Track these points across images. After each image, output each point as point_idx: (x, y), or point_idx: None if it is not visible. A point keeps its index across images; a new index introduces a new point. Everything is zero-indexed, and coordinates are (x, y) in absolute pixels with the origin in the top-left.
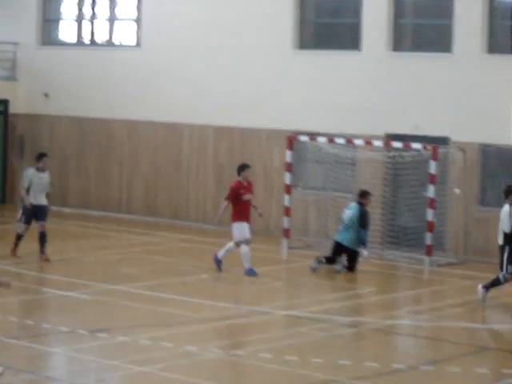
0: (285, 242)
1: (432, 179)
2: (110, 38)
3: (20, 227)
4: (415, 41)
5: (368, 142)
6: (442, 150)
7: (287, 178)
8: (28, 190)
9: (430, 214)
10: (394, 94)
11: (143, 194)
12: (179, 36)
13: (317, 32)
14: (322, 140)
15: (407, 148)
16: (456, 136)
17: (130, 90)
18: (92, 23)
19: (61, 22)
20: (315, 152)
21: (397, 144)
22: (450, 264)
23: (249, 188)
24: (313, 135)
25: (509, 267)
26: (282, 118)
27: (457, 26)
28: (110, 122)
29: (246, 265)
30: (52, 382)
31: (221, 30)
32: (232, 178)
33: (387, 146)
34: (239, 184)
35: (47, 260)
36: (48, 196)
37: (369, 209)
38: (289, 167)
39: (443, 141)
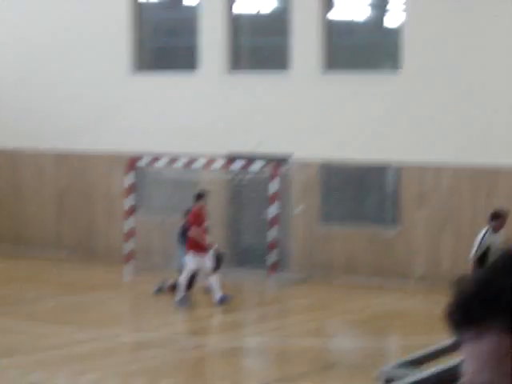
0: (128, 266)
1: (273, 198)
2: None
3: None
4: (253, 60)
5: (210, 161)
6: (283, 167)
7: (129, 201)
8: None
9: (272, 232)
10: (234, 114)
11: None
12: (15, 62)
13: (154, 54)
14: (163, 162)
15: (248, 167)
16: (297, 153)
17: None
18: None
19: None
20: (156, 174)
21: (238, 163)
22: (294, 281)
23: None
24: (154, 157)
25: None
26: (122, 141)
27: (293, 43)
28: None
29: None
30: None
31: (58, 54)
32: (73, 203)
33: (229, 165)
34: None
35: None
36: None
37: (214, 228)
38: (130, 190)
39: (284, 158)
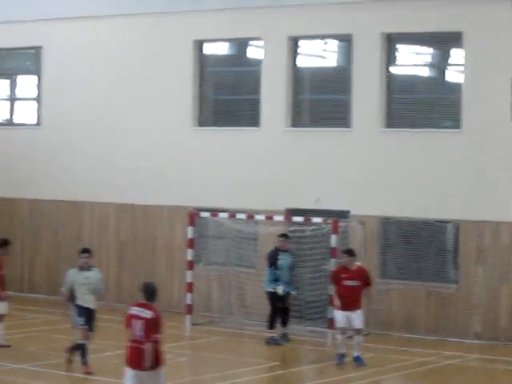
0: (188, 318)
1: (333, 252)
2: (11, 117)
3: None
4: (313, 116)
5: (269, 217)
6: (342, 223)
7: (189, 254)
8: None
9: (332, 287)
10: (293, 169)
11: (45, 273)
12: (79, 114)
13: (216, 109)
14: (223, 216)
15: (307, 222)
16: (356, 209)
17: (32, 169)
18: None
19: None
20: (217, 227)
21: (297, 218)
22: (351, 336)
23: None
24: (214, 211)
25: None
26: (183, 195)
27: (354, 100)
28: (12, 200)
29: None
30: None
31: (121, 107)
32: (134, 255)
33: (288, 220)
34: None
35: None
36: None
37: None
38: (191, 243)
39: (343, 214)
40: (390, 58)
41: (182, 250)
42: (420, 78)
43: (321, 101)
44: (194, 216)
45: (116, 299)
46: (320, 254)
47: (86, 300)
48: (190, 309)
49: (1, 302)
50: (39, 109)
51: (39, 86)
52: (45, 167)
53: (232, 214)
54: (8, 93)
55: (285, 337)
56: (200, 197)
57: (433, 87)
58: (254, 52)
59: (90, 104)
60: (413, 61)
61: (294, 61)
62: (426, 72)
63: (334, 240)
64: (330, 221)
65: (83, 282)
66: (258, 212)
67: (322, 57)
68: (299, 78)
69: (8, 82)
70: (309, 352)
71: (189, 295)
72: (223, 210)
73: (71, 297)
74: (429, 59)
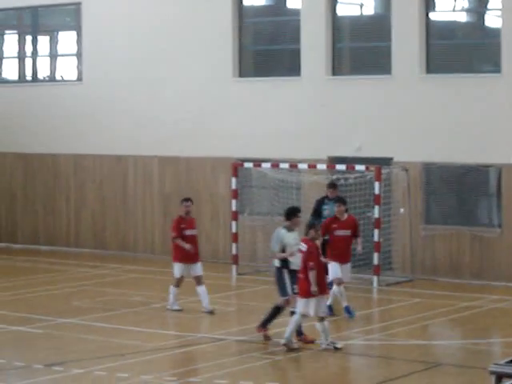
0: (234, 268)
1: (377, 200)
2: (52, 73)
3: None
4: (354, 64)
5: (312, 166)
6: (385, 170)
7: (233, 205)
8: None
9: (376, 234)
10: (335, 118)
11: (91, 227)
12: (120, 69)
13: (256, 59)
14: (266, 166)
15: (350, 170)
16: (398, 156)
17: (74, 125)
18: (34, 60)
19: (3, 60)
20: (260, 178)
21: (340, 166)
22: (398, 283)
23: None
24: (257, 161)
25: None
26: (225, 146)
27: (394, 47)
28: (55, 156)
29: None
30: None
31: (161, 61)
32: (178, 207)
33: (330, 168)
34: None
35: None
36: None
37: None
38: (235, 194)
39: (386, 161)
40: (429, 4)
41: (226, 201)
42: (459, 24)
43: (361, 48)
44: (237, 167)
45: (161, 251)
46: (364, 201)
47: (297, 263)
48: (235, 259)
49: (195, 263)
50: (80, 65)
51: (79, 42)
52: (87, 122)
53: (275, 164)
54: (49, 49)
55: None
56: (242, 148)
57: (472, 32)
58: (292, 1)
59: (130, 59)
60: (451, 6)
61: (333, 9)
62: (464, 17)
63: (377, 187)
64: (372, 168)
65: (295, 244)
66: (301, 161)
67: (361, 4)
68: (339, 27)
69: (48, 38)
70: (355, 299)
71: (234, 245)
72: (266, 160)
73: (284, 262)
74: (467, 4)
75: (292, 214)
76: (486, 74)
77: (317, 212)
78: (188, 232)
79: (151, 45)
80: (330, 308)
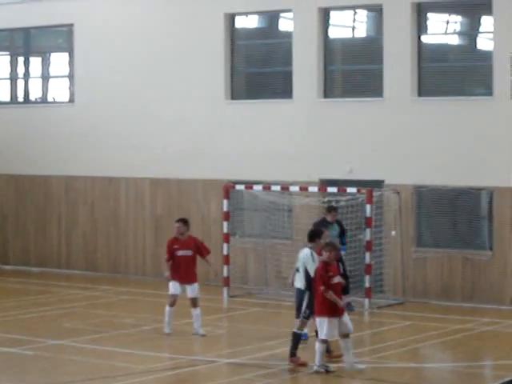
0: (225, 291)
1: (368, 222)
2: (44, 95)
3: None
4: (346, 87)
5: (303, 188)
6: (376, 193)
7: (225, 227)
8: None
9: (367, 257)
10: (327, 140)
11: (82, 248)
12: (112, 90)
13: (248, 81)
14: (257, 188)
15: (342, 192)
16: (390, 179)
17: (66, 146)
18: (26, 81)
19: None
20: (251, 200)
21: (331, 189)
22: (389, 305)
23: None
24: (249, 184)
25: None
26: (217, 168)
27: (386, 70)
28: (47, 178)
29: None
30: None
31: (153, 83)
32: (170, 230)
33: (322, 191)
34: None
35: None
36: None
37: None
38: (226, 216)
39: (377, 184)
40: (421, 27)
41: (218, 223)
42: (451, 47)
43: (352, 71)
44: (228, 189)
45: (153, 274)
46: (355, 223)
47: None
48: (226, 281)
49: (190, 284)
50: (72, 86)
51: (71, 64)
52: (79, 144)
53: (266, 186)
54: (41, 70)
55: (348, 306)
56: (234, 170)
57: (464, 55)
58: (284, 24)
59: (123, 80)
60: (443, 29)
61: (325, 32)
62: (456, 40)
63: (368, 210)
64: (364, 191)
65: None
66: (292, 183)
67: (353, 27)
68: (330, 49)
69: (40, 59)
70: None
71: (225, 267)
72: (258, 183)
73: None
74: (459, 27)
75: (316, 236)
76: (478, 97)
77: None
78: (180, 253)
79: (143, 66)
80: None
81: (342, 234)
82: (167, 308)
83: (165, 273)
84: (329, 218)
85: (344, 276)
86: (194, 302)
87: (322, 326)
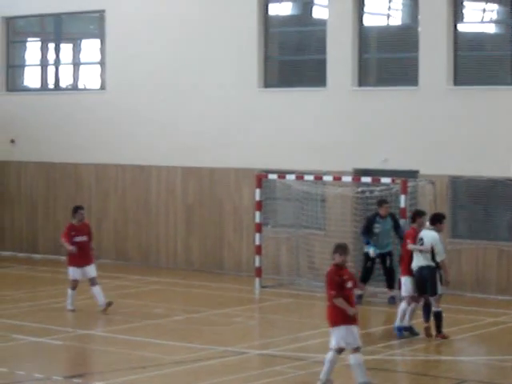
0: (257, 281)
1: (403, 213)
2: (75, 81)
3: None
4: (381, 75)
5: (337, 178)
6: (411, 183)
7: (257, 217)
8: None
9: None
10: (361, 130)
11: (113, 237)
12: (143, 77)
13: (281, 69)
14: (290, 177)
15: (376, 182)
16: (425, 169)
17: (97, 134)
18: (56, 68)
19: (25, 68)
20: (284, 190)
21: (365, 179)
22: None
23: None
24: (281, 173)
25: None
26: (250, 157)
27: (421, 58)
28: (78, 165)
29: None
30: None
31: (186, 70)
32: (201, 218)
33: (356, 181)
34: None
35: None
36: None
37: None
38: (258, 205)
39: (412, 174)
40: (457, 15)
41: (250, 212)
42: (487, 35)
43: (387, 59)
44: (261, 178)
45: (184, 262)
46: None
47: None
48: (258, 271)
49: (88, 265)
50: (103, 73)
51: (103, 50)
52: (110, 132)
53: (299, 176)
54: (72, 57)
55: (392, 300)
56: (267, 159)
57: (500, 44)
58: (319, 11)
59: (154, 67)
60: (480, 18)
61: (360, 20)
62: (493, 29)
63: (403, 200)
64: (398, 181)
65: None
66: (326, 173)
67: (389, 15)
68: (365, 37)
69: (71, 46)
70: (379, 313)
71: (257, 258)
72: (290, 172)
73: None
74: (495, 16)
75: (437, 220)
76: None
77: (368, 230)
78: (78, 239)
79: (175, 53)
80: (411, 328)
81: (397, 227)
82: (70, 291)
83: (69, 247)
84: (381, 212)
85: (391, 271)
86: (94, 281)
87: (336, 334)
